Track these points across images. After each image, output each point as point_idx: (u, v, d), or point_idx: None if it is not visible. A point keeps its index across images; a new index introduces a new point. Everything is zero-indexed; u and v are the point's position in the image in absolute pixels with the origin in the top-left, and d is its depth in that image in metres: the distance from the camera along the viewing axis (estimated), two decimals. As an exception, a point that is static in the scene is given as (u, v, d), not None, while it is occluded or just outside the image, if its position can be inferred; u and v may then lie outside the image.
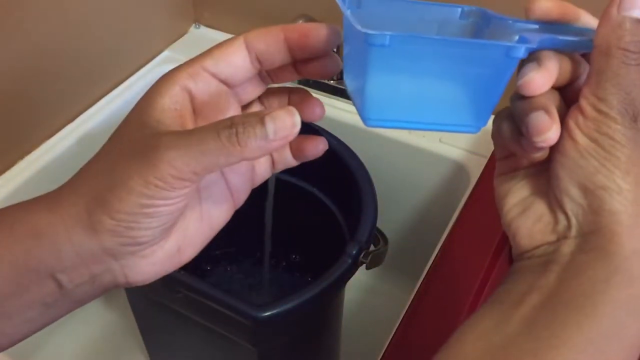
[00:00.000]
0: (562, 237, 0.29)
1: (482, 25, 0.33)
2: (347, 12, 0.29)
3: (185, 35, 0.99)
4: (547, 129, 0.28)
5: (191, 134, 0.28)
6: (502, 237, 0.57)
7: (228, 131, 0.28)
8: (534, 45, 0.29)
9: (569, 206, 0.29)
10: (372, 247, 0.66)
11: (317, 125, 0.76)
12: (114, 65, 0.88)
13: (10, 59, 0.72)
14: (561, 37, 0.29)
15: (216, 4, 0.97)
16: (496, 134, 0.32)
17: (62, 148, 0.80)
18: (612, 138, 0.27)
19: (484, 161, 0.68)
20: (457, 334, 0.29)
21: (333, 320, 0.77)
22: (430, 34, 0.32)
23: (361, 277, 0.93)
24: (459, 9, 0.33)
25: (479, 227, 0.58)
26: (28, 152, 0.79)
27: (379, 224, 0.68)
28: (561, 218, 0.29)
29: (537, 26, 0.31)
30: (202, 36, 0.99)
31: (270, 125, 0.28)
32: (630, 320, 0.27)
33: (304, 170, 0.80)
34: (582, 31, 0.30)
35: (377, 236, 0.71)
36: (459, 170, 0.78)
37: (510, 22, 0.32)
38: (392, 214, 0.85)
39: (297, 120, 0.29)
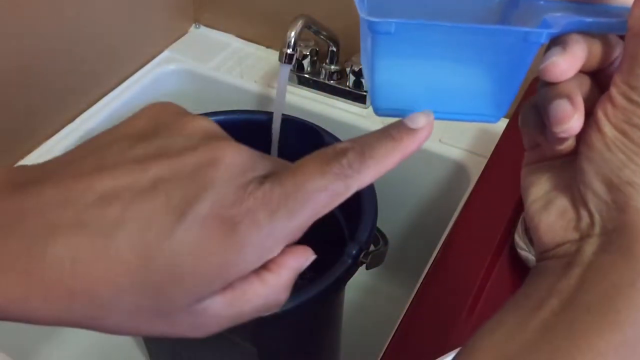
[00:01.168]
0: (585, 236, 0.27)
1: (511, 7, 0.30)
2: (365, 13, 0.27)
3: (185, 35, 0.99)
4: (568, 119, 0.26)
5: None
6: (502, 237, 0.57)
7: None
8: (556, 30, 0.26)
9: (593, 202, 0.27)
10: (372, 247, 0.65)
11: (317, 126, 0.76)
12: (114, 65, 0.88)
13: (10, 59, 0.72)
14: (589, 19, 0.26)
15: (216, 4, 0.97)
16: (522, 124, 0.30)
17: (62, 148, 0.80)
18: None
19: (484, 161, 0.68)
20: (473, 340, 0.28)
21: (333, 320, 0.77)
22: (451, 18, 0.28)
23: (361, 277, 0.92)
24: None
25: (479, 227, 0.58)
26: (28, 152, 0.79)
27: (379, 224, 0.68)
28: (584, 214, 0.27)
29: (571, 6, 0.28)
30: (202, 36, 0.99)
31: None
32: None
33: (304, 170, 0.80)
34: (621, 12, 0.27)
35: (377, 236, 0.71)
36: (459, 170, 0.78)
37: (542, 2, 0.29)
38: (392, 214, 0.85)
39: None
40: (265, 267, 0.26)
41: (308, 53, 0.86)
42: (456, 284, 0.53)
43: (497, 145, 0.68)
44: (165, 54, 0.95)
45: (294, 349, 0.72)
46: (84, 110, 0.85)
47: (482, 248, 0.56)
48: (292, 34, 0.71)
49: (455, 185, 0.78)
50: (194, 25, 1.00)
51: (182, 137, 0.26)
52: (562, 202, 0.29)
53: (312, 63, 0.87)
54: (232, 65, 0.92)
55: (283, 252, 0.26)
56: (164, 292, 0.24)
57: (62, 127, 0.82)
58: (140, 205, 0.23)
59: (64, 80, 0.81)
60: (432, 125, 0.27)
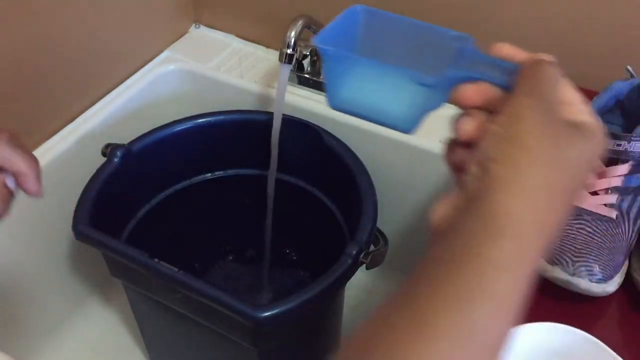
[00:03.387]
0: (460, 208, 0.31)
1: (460, 56, 0.36)
2: (315, 39, 0.37)
3: (185, 35, 0.99)
4: (463, 123, 0.33)
5: None
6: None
7: None
8: (439, 78, 0.34)
9: (469, 181, 0.31)
10: (372, 247, 0.65)
11: (317, 126, 0.76)
12: (114, 65, 0.88)
13: (10, 60, 0.72)
14: (476, 75, 0.34)
15: (216, 4, 0.97)
16: (446, 157, 0.36)
17: (62, 148, 0.80)
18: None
19: (484, 161, 0.68)
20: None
21: (333, 320, 0.77)
22: (415, 56, 0.37)
23: (361, 277, 0.93)
24: (452, 33, 0.37)
25: (479, 227, 0.58)
26: (28, 152, 0.79)
27: (379, 224, 0.68)
28: (462, 193, 0.31)
29: (490, 60, 0.35)
30: (202, 36, 0.99)
31: None
32: (499, 275, 0.27)
33: (304, 170, 0.80)
34: (513, 71, 0.34)
35: (377, 236, 0.71)
36: (459, 170, 0.78)
37: (484, 57, 0.35)
38: (392, 214, 0.85)
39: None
40: None
41: (308, 53, 0.86)
42: (456, 284, 0.53)
43: (497, 145, 0.68)
44: (165, 54, 0.95)
45: (294, 348, 0.72)
46: (84, 110, 0.85)
47: (482, 248, 0.56)
48: (292, 34, 0.71)
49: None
50: (194, 25, 1.00)
51: None
52: (452, 193, 0.32)
53: (312, 63, 0.87)
54: (232, 65, 0.92)
55: None
56: None
57: (62, 127, 0.82)
58: None
59: (63, 80, 0.81)
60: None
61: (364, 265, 0.63)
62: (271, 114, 0.74)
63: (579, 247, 0.51)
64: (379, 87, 0.36)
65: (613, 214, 0.53)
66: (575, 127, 0.31)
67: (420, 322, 0.27)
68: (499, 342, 0.27)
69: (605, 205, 0.53)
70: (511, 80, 0.33)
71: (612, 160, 0.54)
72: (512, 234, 0.28)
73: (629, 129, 0.59)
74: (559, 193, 0.29)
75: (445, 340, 0.26)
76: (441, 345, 0.26)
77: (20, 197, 0.48)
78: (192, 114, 0.79)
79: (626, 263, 0.53)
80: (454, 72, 0.34)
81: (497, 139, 0.30)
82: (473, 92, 0.33)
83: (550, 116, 0.30)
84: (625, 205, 0.54)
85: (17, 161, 0.43)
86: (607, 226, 0.52)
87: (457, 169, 0.34)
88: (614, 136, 0.53)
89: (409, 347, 0.26)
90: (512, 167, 0.29)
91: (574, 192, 0.31)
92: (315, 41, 0.36)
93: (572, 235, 0.52)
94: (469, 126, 0.33)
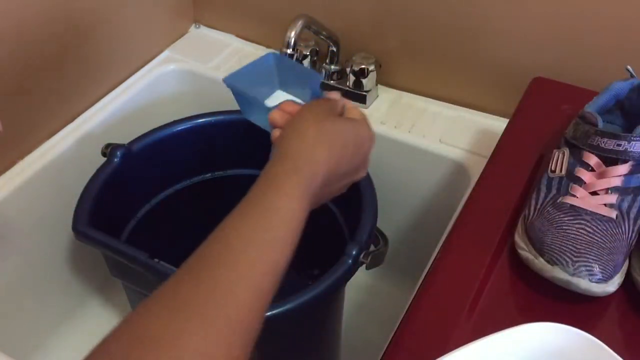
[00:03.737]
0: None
1: (310, 87, 0.53)
2: (225, 77, 0.54)
3: (185, 35, 0.99)
4: (274, 114, 0.50)
5: None
6: (502, 237, 0.57)
7: None
8: (274, 103, 0.53)
9: (276, 144, 0.47)
10: (372, 247, 0.65)
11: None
12: (114, 65, 0.88)
13: (10, 59, 0.72)
14: (299, 101, 0.54)
15: (216, 4, 0.97)
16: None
17: (62, 148, 0.80)
18: None
19: (484, 161, 0.68)
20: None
21: (333, 320, 0.77)
22: (297, 85, 0.56)
23: (361, 277, 0.93)
24: (311, 74, 0.61)
25: (479, 227, 0.58)
26: (28, 152, 0.79)
27: (379, 224, 0.68)
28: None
29: (311, 92, 0.53)
30: (202, 36, 0.99)
31: None
32: (285, 179, 0.42)
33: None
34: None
35: (377, 236, 0.71)
36: (459, 170, 0.78)
37: (316, 91, 0.52)
38: (392, 214, 0.85)
39: None
40: None
41: (308, 53, 0.86)
42: (456, 284, 0.53)
43: (497, 145, 0.68)
44: (165, 54, 0.95)
45: (294, 348, 0.72)
46: (84, 110, 0.85)
47: (482, 248, 0.56)
48: (292, 34, 0.71)
49: (455, 185, 0.78)
50: (194, 25, 1.00)
51: None
52: None
53: (312, 63, 0.87)
54: (232, 65, 0.92)
55: None
56: None
57: (62, 127, 0.82)
58: None
59: (64, 80, 0.81)
60: None
61: (364, 265, 0.63)
62: (271, 114, 0.75)
63: (579, 247, 0.51)
64: (255, 106, 0.54)
65: (613, 214, 0.53)
66: (346, 119, 0.49)
67: (240, 211, 0.40)
68: (290, 221, 0.41)
69: (605, 205, 0.53)
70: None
71: (612, 160, 0.54)
72: (288, 158, 0.43)
73: (629, 129, 0.59)
74: (324, 141, 0.45)
75: (255, 216, 0.40)
76: (254, 219, 0.40)
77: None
78: (192, 114, 0.79)
79: (626, 263, 0.53)
80: (283, 98, 0.53)
81: (291, 120, 0.48)
82: (287, 104, 0.51)
83: (326, 112, 0.48)
84: (625, 205, 0.53)
85: None
86: (607, 226, 0.52)
87: (274, 142, 0.49)
88: (614, 136, 0.53)
89: (236, 228, 0.39)
90: (294, 127, 0.46)
91: (344, 147, 0.46)
92: (223, 79, 0.52)
93: (572, 235, 0.52)
94: (278, 116, 0.50)
